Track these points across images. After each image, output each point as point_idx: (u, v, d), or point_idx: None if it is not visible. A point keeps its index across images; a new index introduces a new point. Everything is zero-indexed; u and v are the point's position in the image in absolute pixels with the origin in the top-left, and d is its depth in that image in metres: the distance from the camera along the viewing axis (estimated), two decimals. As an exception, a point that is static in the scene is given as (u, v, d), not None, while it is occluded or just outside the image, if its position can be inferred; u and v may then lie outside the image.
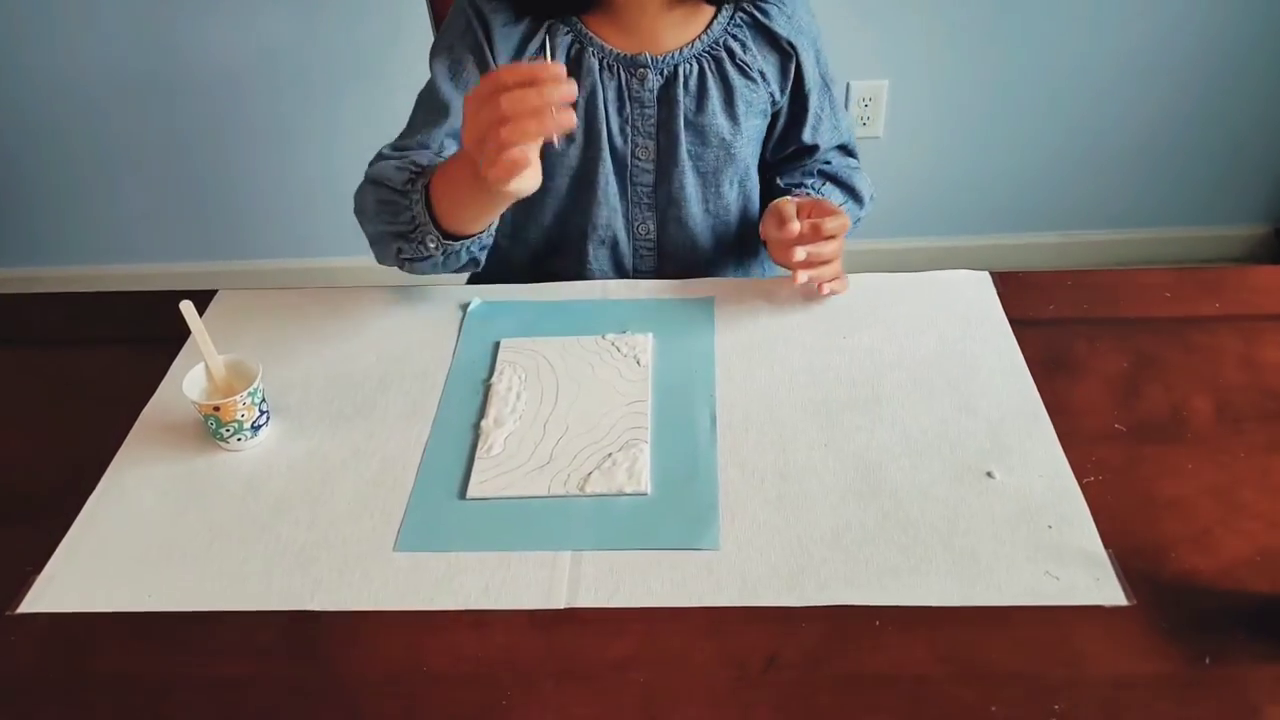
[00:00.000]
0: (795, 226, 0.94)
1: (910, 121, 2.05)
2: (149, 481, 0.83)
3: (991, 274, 1.00)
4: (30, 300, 1.07)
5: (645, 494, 0.79)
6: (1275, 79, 2.00)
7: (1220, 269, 1.02)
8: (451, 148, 1.01)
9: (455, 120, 1.00)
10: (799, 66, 1.05)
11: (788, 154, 1.14)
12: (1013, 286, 0.98)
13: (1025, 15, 1.91)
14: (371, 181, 0.96)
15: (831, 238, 0.94)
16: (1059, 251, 2.23)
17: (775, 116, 1.09)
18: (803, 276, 0.94)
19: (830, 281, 0.96)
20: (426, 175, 0.91)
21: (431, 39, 1.11)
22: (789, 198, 1.02)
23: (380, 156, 1.01)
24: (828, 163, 1.14)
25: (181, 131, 2.05)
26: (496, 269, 1.07)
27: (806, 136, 1.10)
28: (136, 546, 0.77)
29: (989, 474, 0.79)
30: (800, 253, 0.93)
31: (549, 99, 0.72)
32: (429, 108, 1.02)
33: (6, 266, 2.28)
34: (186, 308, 0.84)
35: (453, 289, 1.03)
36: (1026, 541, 0.74)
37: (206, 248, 2.24)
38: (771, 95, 1.06)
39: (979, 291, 0.99)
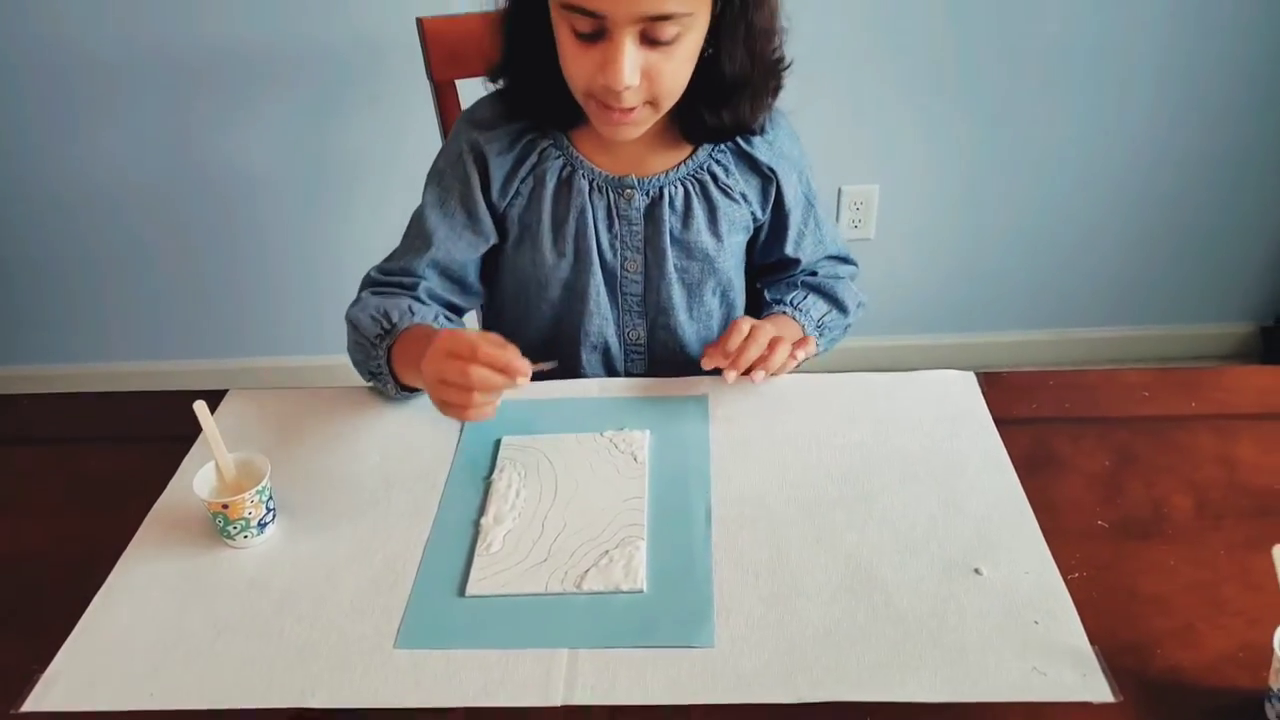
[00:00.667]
0: (734, 342, 0.99)
1: (900, 224, 2.12)
2: (155, 579, 0.85)
3: (976, 374, 1.03)
4: (44, 400, 1.10)
5: (641, 591, 0.81)
6: (1259, 180, 2.08)
7: (1197, 369, 1.05)
8: (434, 278, 1.08)
9: (438, 252, 1.07)
10: (779, 188, 1.10)
11: (772, 264, 1.19)
12: (997, 386, 1.02)
13: (1009, 123, 2.00)
14: (351, 321, 1.04)
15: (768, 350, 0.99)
16: (1048, 349, 2.28)
17: (758, 231, 1.14)
18: (732, 375, 0.98)
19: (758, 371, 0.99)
20: (393, 336, 0.99)
21: (439, 143, 1.17)
22: (747, 319, 1.04)
23: (368, 281, 1.09)
24: (813, 273, 1.18)
25: (192, 230, 2.12)
26: None
27: (789, 250, 1.15)
28: (141, 644, 0.79)
29: (976, 570, 0.81)
30: (731, 375, 0.98)
31: (506, 388, 0.85)
32: (416, 234, 1.08)
33: (17, 364, 2.32)
34: (200, 408, 0.87)
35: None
36: (1014, 638, 0.75)
37: (216, 345, 2.28)
38: (753, 214, 1.11)
39: (964, 391, 1.02)
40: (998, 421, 0.97)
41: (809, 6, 1.85)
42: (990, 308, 2.24)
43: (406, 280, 1.07)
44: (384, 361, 0.98)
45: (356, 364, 1.04)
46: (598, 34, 0.90)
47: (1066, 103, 1.98)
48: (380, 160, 1.99)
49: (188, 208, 2.09)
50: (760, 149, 1.08)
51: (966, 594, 0.79)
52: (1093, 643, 0.74)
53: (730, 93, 1.00)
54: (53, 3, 1.85)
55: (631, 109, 0.94)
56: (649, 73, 0.92)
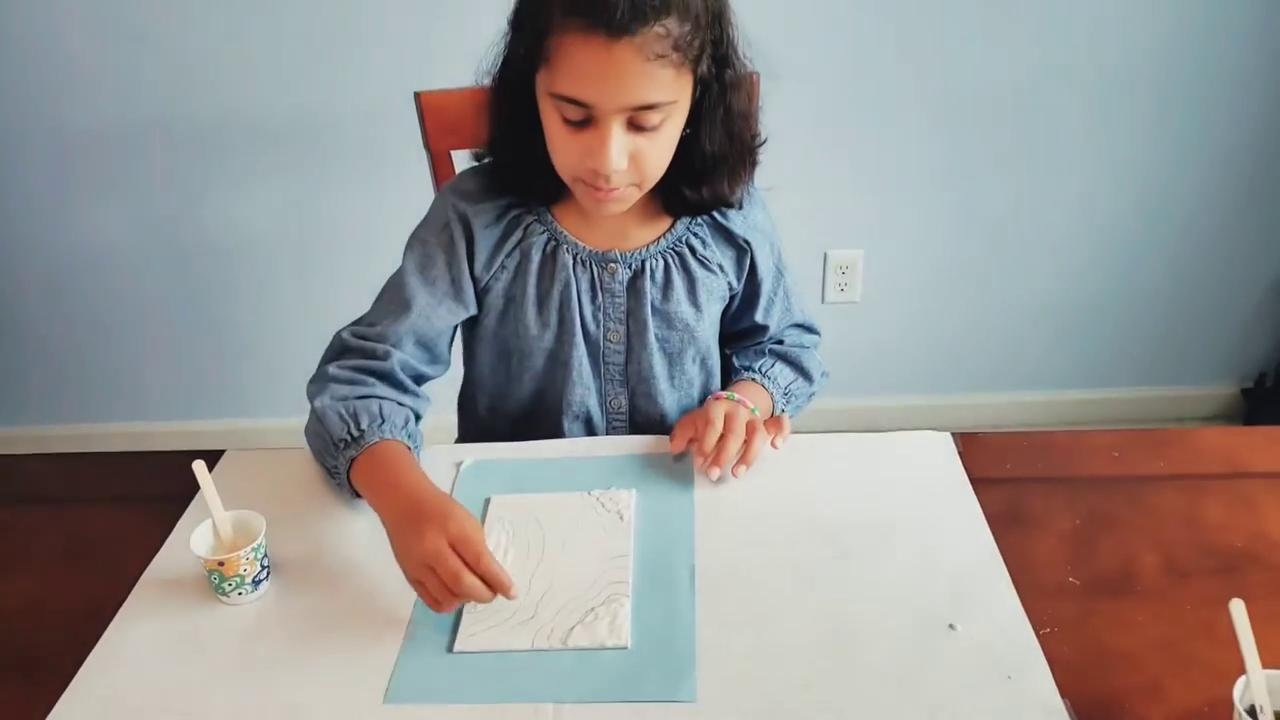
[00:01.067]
0: (711, 441, 1.01)
1: (884, 288, 2.17)
2: (151, 635, 0.87)
3: (952, 434, 1.07)
4: (46, 461, 1.13)
5: (625, 647, 0.83)
6: (1239, 241, 2.12)
7: (1165, 430, 1.09)
8: (409, 346, 1.07)
9: (418, 319, 1.06)
10: (753, 259, 1.14)
11: (741, 330, 1.22)
12: (972, 447, 1.05)
13: (990, 189, 2.06)
14: (315, 410, 1.01)
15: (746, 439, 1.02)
16: (1030, 410, 2.31)
17: (731, 299, 1.18)
18: (715, 473, 1.01)
19: (738, 464, 1.02)
20: (359, 447, 0.96)
21: None
22: (724, 405, 1.06)
23: (338, 346, 1.07)
24: (780, 341, 1.22)
25: (193, 294, 2.16)
26: (477, 439, 1.15)
27: (759, 317, 1.19)
28: (137, 698, 0.81)
29: (951, 626, 0.83)
30: (714, 473, 1.00)
31: (490, 600, 0.84)
32: (394, 298, 1.08)
33: (16, 425, 2.34)
34: (199, 467, 0.90)
35: (445, 449, 1.09)
36: (987, 692, 0.77)
37: (212, 407, 2.31)
38: (729, 283, 1.15)
39: (941, 451, 1.05)
40: (973, 481, 1.00)
41: (792, 75, 1.92)
42: (973, 370, 2.28)
43: (380, 349, 1.05)
44: (344, 473, 0.97)
45: (313, 450, 1.03)
46: (586, 121, 0.93)
47: (1047, 168, 2.04)
48: (376, 227, 2.02)
49: (188, 272, 2.13)
50: (735, 222, 1.12)
51: (941, 649, 0.81)
52: (1063, 697, 0.76)
53: (709, 170, 1.04)
54: (57, 79, 1.92)
55: (617, 188, 0.98)
56: (635, 156, 0.95)
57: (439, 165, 1.33)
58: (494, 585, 0.83)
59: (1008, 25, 1.89)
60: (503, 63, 1.00)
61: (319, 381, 1.05)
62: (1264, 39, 1.91)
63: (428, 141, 1.32)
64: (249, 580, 0.88)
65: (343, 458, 0.96)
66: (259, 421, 2.29)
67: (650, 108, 0.92)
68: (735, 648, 0.82)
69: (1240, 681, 0.71)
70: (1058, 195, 2.07)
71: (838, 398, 2.25)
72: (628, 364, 1.14)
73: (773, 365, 1.18)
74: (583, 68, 0.90)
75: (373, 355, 1.05)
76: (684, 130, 1.00)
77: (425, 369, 1.09)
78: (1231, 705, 0.70)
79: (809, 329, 1.25)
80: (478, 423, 1.22)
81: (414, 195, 1.43)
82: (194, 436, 2.26)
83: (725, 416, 1.04)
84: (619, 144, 0.93)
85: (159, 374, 2.27)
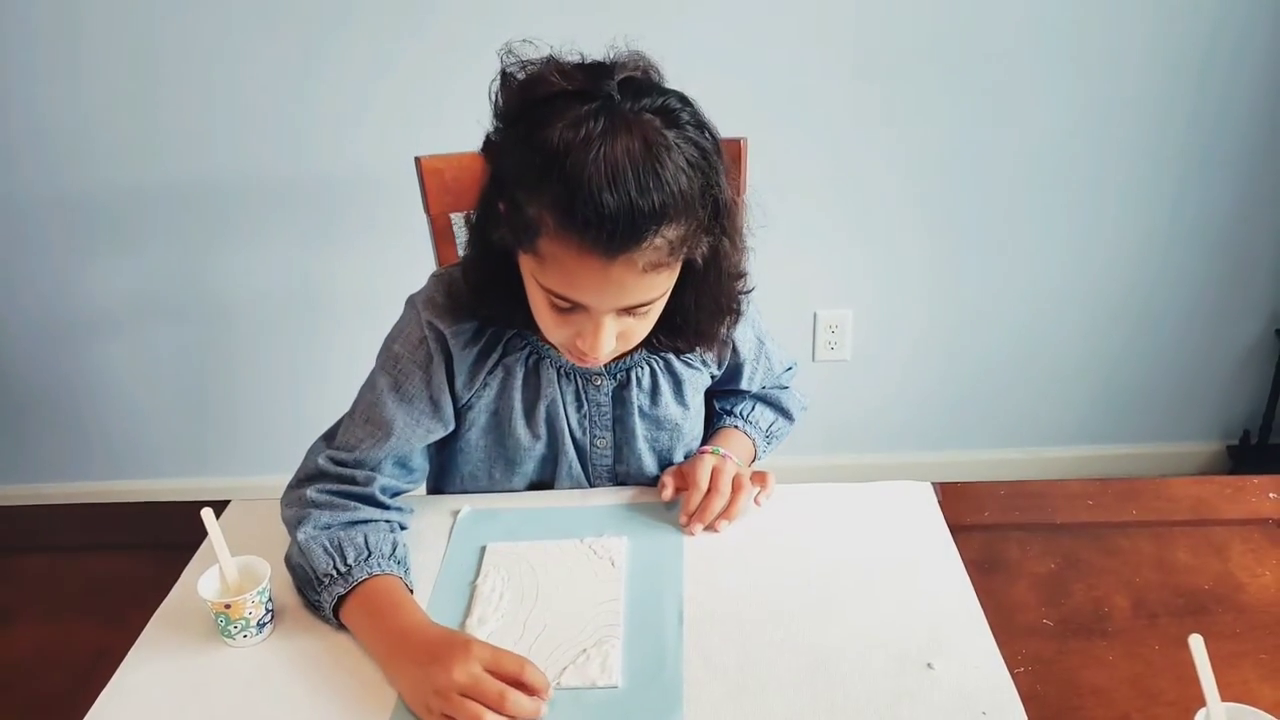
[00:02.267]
0: (695, 501, 1.05)
1: (874, 346, 2.22)
2: (159, 677, 0.90)
3: (932, 484, 1.11)
4: (54, 510, 1.16)
5: (616, 686, 0.86)
6: (1223, 299, 2.18)
7: (1138, 480, 1.13)
8: (389, 468, 1.05)
9: (398, 442, 1.04)
10: (735, 347, 1.14)
11: (724, 391, 1.23)
12: (951, 495, 1.09)
13: (978, 249, 2.12)
14: (298, 542, 0.97)
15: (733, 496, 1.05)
16: (1018, 468, 2.34)
17: (713, 378, 1.18)
18: (697, 528, 1.04)
19: (721, 518, 1.05)
20: (347, 583, 0.93)
21: (433, 269, 1.22)
22: (710, 460, 1.09)
23: (314, 472, 1.03)
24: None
25: (197, 352, 2.22)
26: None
27: (743, 385, 1.20)
28: (143, 738, 0.83)
29: (929, 665, 0.87)
30: (695, 528, 1.04)
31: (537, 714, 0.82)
32: (371, 419, 1.04)
33: (22, 483, 2.38)
34: (207, 515, 0.94)
35: (445, 498, 1.13)
36: (963, 727, 0.81)
37: (215, 465, 2.36)
38: (712, 374, 1.16)
39: (921, 500, 1.09)
40: (952, 528, 1.04)
41: (782, 135, 2.00)
42: (962, 427, 2.32)
43: (360, 475, 1.03)
44: (329, 610, 0.93)
45: (295, 580, 0.98)
46: (576, 310, 0.91)
47: (1032, 229, 2.10)
48: (377, 288, 2.08)
49: (191, 331, 2.19)
50: None
51: (920, 687, 0.85)
52: (1036, 732, 0.80)
53: (692, 325, 1.02)
54: (64, 142, 1.99)
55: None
56: (624, 333, 0.94)
57: (438, 228, 1.39)
58: (538, 692, 0.83)
59: (997, 93, 1.97)
60: (481, 215, 0.96)
61: (296, 507, 1.01)
62: (1253, 110, 1.98)
63: (427, 205, 1.38)
64: (254, 623, 0.92)
65: (326, 594, 0.93)
66: (263, 479, 2.32)
67: (644, 305, 0.92)
68: (721, 686, 0.86)
69: (1200, 714, 0.74)
70: (1045, 256, 2.12)
71: (826, 455, 2.29)
72: (615, 465, 1.15)
73: (753, 409, 1.22)
74: (577, 278, 0.87)
75: (352, 481, 1.03)
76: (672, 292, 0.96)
77: (404, 485, 1.08)
78: (1195, 737, 0.74)
79: (787, 368, 1.26)
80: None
81: (413, 257, 1.49)
82: (197, 493, 2.28)
83: (712, 472, 1.07)
84: (610, 331, 0.92)
85: (162, 432, 2.32)
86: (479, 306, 1.02)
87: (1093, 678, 0.85)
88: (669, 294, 0.95)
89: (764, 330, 1.20)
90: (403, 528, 1.04)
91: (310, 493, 1.01)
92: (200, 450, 2.35)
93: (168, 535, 1.06)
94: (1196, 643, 0.74)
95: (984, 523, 1.06)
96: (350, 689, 0.87)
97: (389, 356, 1.05)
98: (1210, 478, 1.13)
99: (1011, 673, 0.85)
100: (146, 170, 2.02)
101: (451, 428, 1.08)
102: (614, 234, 0.82)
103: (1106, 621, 0.92)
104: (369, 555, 0.96)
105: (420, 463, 1.10)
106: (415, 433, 1.05)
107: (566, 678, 0.87)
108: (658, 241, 0.85)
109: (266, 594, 0.92)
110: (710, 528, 1.05)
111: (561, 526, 1.07)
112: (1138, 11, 1.90)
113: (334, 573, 0.94)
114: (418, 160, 1.36)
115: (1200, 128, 2.00)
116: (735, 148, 1.31)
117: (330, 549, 0.96)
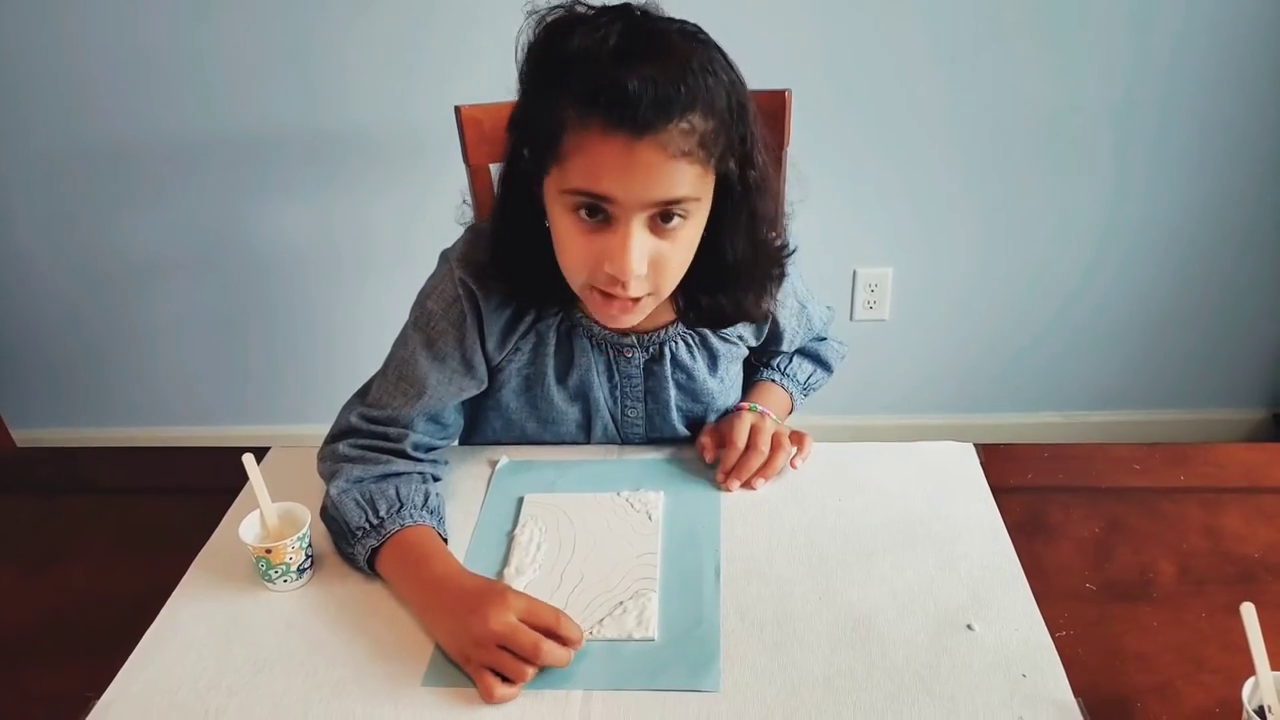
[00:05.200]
0: (731, 459, 1.04)
1: (913, 305, 2.19)
2: (201, 618, 0.91)
3: (975, 445, 1.09)
4: (100, 454, 1.18)
5: (652, 639, 0.86)
6: (1271, 264, 2.12)
7: (1186, 445, 1.10)
8: (422, 425, 1.04)
9: (431, 400, 1.03)
10: (774, 318, 1.12)
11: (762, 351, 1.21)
12: (994, 457, 1.07)
13: (1020, 206, 2.07)
14: (330, 496, 0.98)
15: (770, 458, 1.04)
16: (1058, 431, 2.31)
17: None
18: (734, 484, 1.04)
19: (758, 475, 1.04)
20: (380, 536, 0.93)
21: (472, 221, 1.22)
22: (749, 418, 1.07)
23: (347, 428, 1.04)
24: None
25: (239, 302, 2.23)
26: None
27: (784, 347, 1.18)
28: (187, 677, 0.85)
29: (969, 626, 0.86)
30: (732, 484, 1.04)
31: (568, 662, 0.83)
32: (404, 377, 1.03)
33: (68, 427, 2.43)
34: (248, 460, 0.94)
35: (483, 449, 1.13)
36: (1002, 689, 0.80)
37: (258, 412, 2.39)
38: (749, 346, 1.14)
39: (963, 461, 1.07)
40: (994, 490, 1.02)
41: (823, 89, 1.96)
42: (1002, 389, 2.29)
43: (392, 432, 1.03)
44: (363, 561, 0.94)
45: (332, 534, 0.99)
46: (603, 221, 0.88)
47: (1077, 187, 2.05)
48: (414, 238, 2.09)
49: (234, 281, 2.20)
50: None
51: (959, 648, 0.84)
52: (1077, 696, 0.79)
53: (731, 281, 0.99)
54: (106, 91, 2.00)
55: (636, 298, 0.92)
56: (655, 261, 0.90)
57: (477, 177, 1.38)
58: (572, 643, 0.83)
59: (1039, 44, 1.92)
60: (506, 168, 0.95)
61: (329, 462, 1.02)
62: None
63: (466, 155, 1.36)
64: (294, 568, 0.93)
65: (360, 546, 0.93)
66: (303, 428, 2.35)
67: (674, 203, 0.87)
68: (758, 642, 0.85)
69: (1249, 682, 0.73)
70: (1087, 214, 2.08)
71: (866, 415, 2.28)
72: (648, 434, 1.14)
73: (790, 361, 1.21)
74: (603, 164, 0.84)
75: (385, 438, 1.03)
76: (704, 235, 0.94)
77: (437, 441, 1.08)
78: (1241, 706, 0.72)
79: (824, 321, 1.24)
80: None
81: (452, 208, 1.48)
82: (238, 440, 2.31)
83: (750, 430, 1.06)
84: (640, 245, 0.87)
85: (204, 380, 2.34)
86: (505, 279, 1.01)
87: (1135, 643, 0.84)
88: (698, 235, 0.92)
89: (804, 293, 1.17)
90: (436, 479, 1.04)
91: (342, 448, 1.02)
92: (240, 398, 2.37)
93: (210, 480, 1.07)
94: (1248, 610, 0.72)
95: (1027, 485, 1.04)
96: (389, 635, 0.88)
97: (422, 313, 1.03)
98: (1262, 444, 1.11)
99: (1053, 636, 0.84)
100: (190, 123, 2.03)
101: (485, 385, 1.08)
102: (639, 109, 0.81)
103: (1151, 587, 0.90)
104: (401, 507, 0.96)
105: (454, 418, 1.09)
106: (448, 390, 1.04)
107: (604, 629, 0.87)
108: (684, 125, 0.83)
109: (306, 540, 0.93)
110: (747, 485, 1.05)
111: (599, 479, 1.07)
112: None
113: (366, 525, 0.94)
114: (457, 109, 1.35)
115: (1257, 87, 1.94)
116: (779, 99, 1.29)
117: (362, 502, 0.96)
